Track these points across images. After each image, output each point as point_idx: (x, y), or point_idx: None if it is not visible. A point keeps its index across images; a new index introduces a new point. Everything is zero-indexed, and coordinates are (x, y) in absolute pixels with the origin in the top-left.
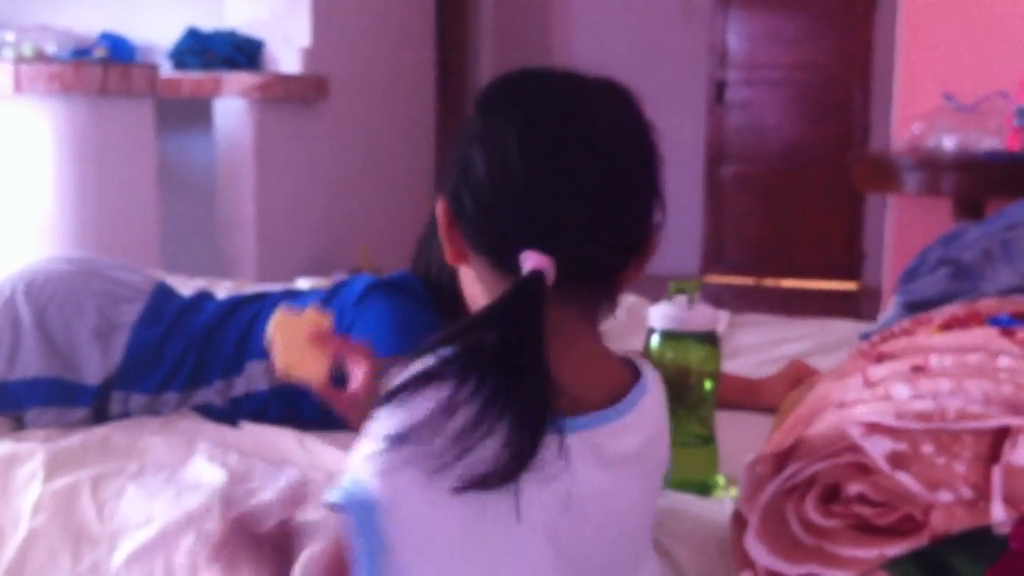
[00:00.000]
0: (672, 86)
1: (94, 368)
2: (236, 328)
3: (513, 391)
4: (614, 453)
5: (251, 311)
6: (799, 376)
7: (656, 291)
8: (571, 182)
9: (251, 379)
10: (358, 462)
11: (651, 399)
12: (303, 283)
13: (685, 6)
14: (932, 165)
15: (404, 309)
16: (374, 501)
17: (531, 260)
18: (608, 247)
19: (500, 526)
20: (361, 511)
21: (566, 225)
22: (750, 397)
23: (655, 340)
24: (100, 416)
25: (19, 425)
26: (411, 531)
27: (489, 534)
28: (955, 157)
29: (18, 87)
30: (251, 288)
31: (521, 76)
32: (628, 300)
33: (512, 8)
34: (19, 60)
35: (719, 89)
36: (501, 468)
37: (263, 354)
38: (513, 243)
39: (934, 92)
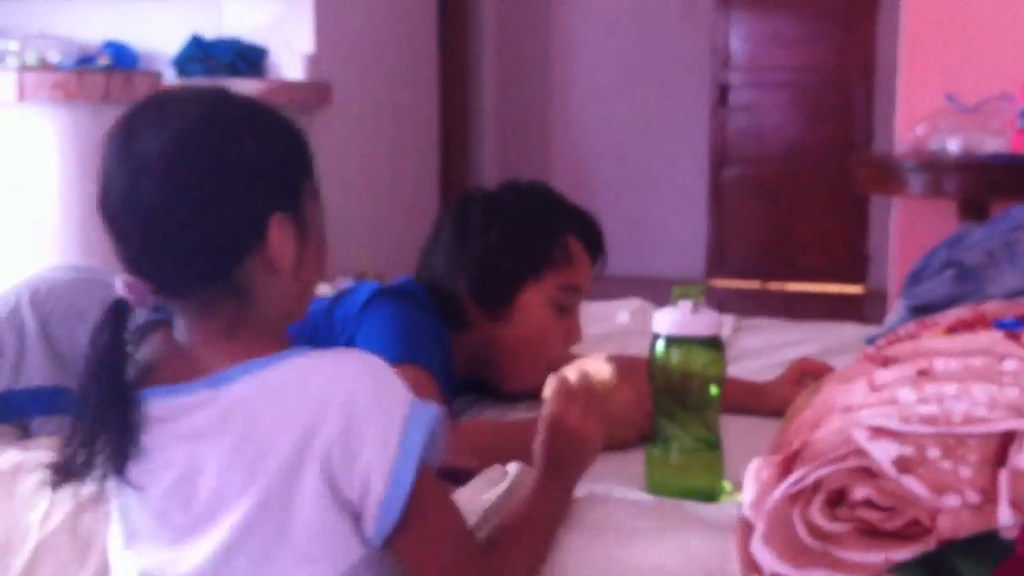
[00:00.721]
0: (675, 89)
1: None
2: None
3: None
4: (186, 429)
5: None
6: (805, 371)
7: (661, 295)
8: (107, 211)
9: None
10: None
11: (264, 382)
12: None
13: (686, 9)
14: (936, 167)
15: (406, 315)
16: None
17: (116, 286)
18: (175, 257)
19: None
20: None
21: (125, 247)
22: (755, 401)
23: (660, 345)
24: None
25: (24, 434)
26: None
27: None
28: (959, 159)
29: (22, 95)
30: None
31: None
32: (632, 304)
33: (514, 14)
34: (23, 68)
35: (722, 92)
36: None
37: None
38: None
39: (937, 93)
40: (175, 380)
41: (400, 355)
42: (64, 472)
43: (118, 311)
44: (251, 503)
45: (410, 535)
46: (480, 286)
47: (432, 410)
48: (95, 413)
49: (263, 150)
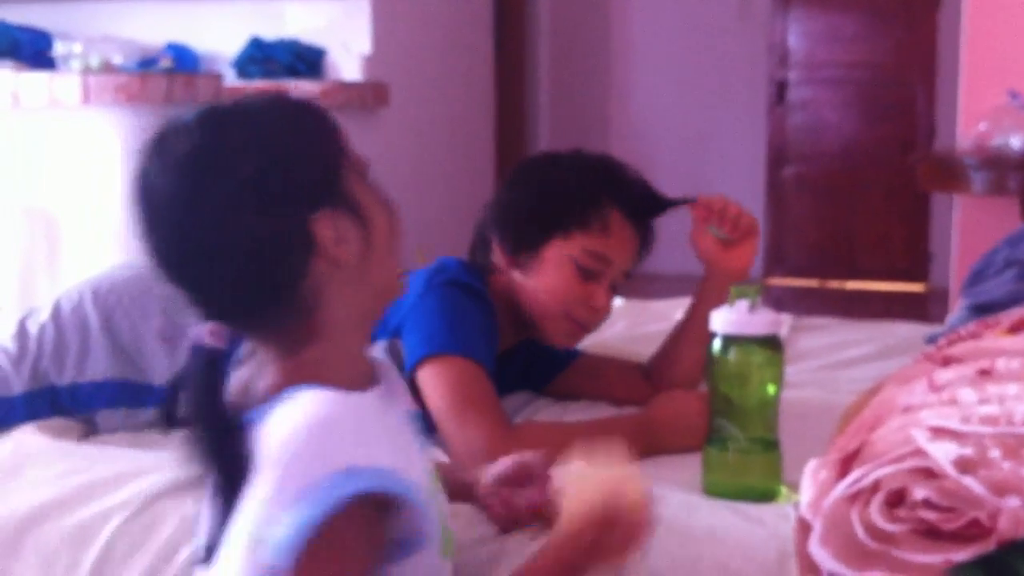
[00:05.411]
0: (732, 87)
1: (161, 370)
2: None
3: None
4: None
5: None
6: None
7: None
8: (156, 261)
9: None
10: None
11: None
12: None
13: (743, 6)
14: (998, 164)
15: (456, 303)
16: None
17: (204, 338)
18: (234, 295)
19: None
20: None
21: (188, 294)
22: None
23: (717, 344)
24: (168, 418)
25: (90, 428)
26: None
27: None
28: (1021, 156)
29: (86, 98)
30: None
31: None
32: (686, 303)
33: (570, 15)
34: (86, 71)
35: (780, 89)
36: None
37: None
38: None
39: (999, 90)
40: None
41: (448, 345)
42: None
43: (210, 359)
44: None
45: None
46: (509, 230)
47: (376, 472)
48: (209, 463)
49: (278, 158)
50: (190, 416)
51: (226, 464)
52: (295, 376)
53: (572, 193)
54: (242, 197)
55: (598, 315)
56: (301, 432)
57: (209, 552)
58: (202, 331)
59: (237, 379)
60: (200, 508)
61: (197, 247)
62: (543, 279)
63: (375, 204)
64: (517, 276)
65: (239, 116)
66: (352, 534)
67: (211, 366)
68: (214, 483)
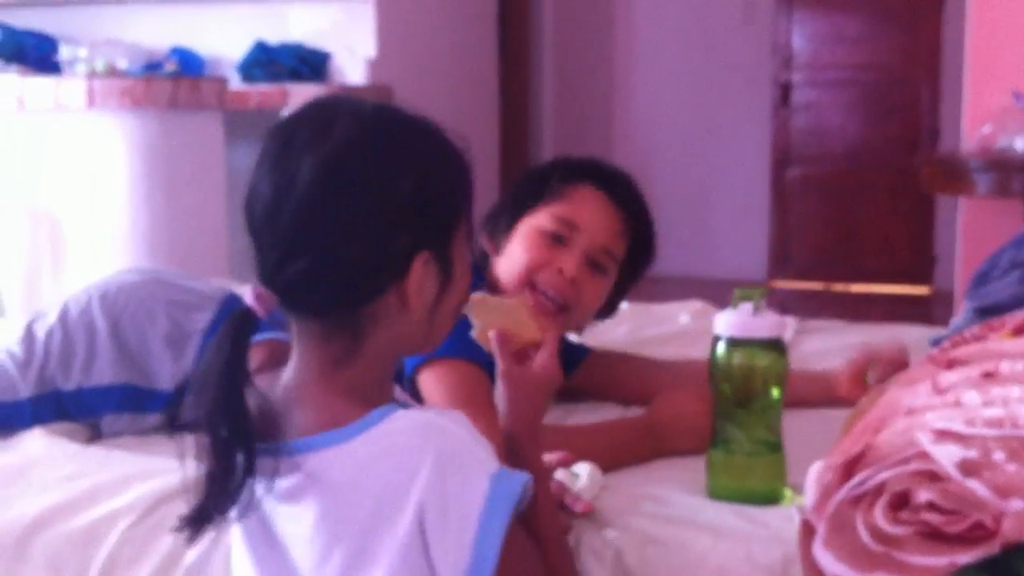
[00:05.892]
0: (736, 89)
1: (166, 374)
2: None
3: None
4: (278, 489)
5: None
6: (872, 360)
7: (722, 296)
8: (250, 217)
9: None
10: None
11: (346, 454)
12: None
13: (747, 8)
14: (1002, 166)
15: None
16: None
17: (246, 295)
18: (308, 280)
19: None
20: None
21: (262, 258)
22: (817, 390)
23: (721, 347)
24: (173, 423)
25: (95, 432)
26: None
27: None
28: None
29: (91, 102)
30: None
31: None
32: (694, 306)
33: (573, 17)
34: (91, 75)
35: (784, 91)
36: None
37: None
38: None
39: (1004, 92)
40: (269, 431)
41: (449, 350)
42: (198, 519)
43: (243, 319)
44: (336, 567)
45: None
46: (489, 219)
47: (516, 477)
48: (211, 424)
49: (420, 183)
50: (204, 374)
51: (230, 425)
52: (342, 401)
53: (541, 172)
54: (375, 199)
55: (564, 281)
56: (453, 447)
57: (194, 522)
58: (249, 290)
59: (264, 399)
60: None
61: (310, 227)
62: (511, 252)
63: (463, 272)
64: (496, 262)
65: (408, 127)
66: (519, 527)
67: (243, 321)
68: (212, 446)
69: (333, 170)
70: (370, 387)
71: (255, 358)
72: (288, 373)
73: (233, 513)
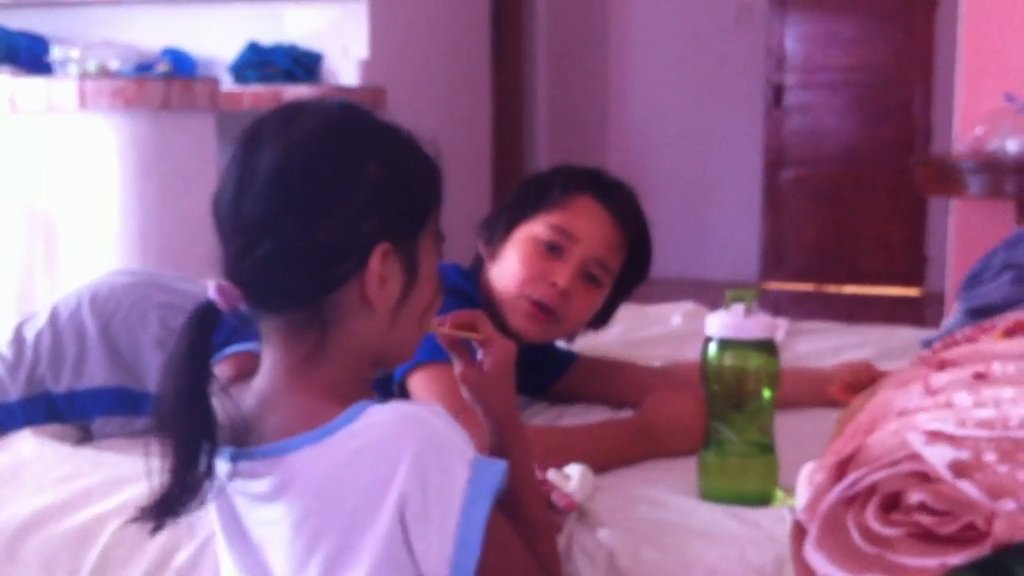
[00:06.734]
0: (729, 90)
1: (157, 377)
2: None
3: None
4: (254, 492)
5: None
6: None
7: (715, 298)
8: (216, 214)
9: None
10: None
11: (324, 452)
12: None
13: (740, 10)
14: (995, 168)
15: (447, 310)
16: None
17: (209, 290)
18: (269, 267)
19: None
20: None
21: (226, 250)
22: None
23: (713, 348)
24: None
25: (86, 435)
26: None
27: None
28: (1018, 160)
29: (83, 103)
30: None
31: None
32: (686, 308)
33: (567, 19)
34: (84, 76)
35: (777, 93)
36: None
37: None
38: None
39: (997, 94)
40: (244, 437)
41: (440, 354)
42: (159, 511)
43: (206, 313)
44: (317, 567)
45: None
46: (486, 224)
47: (496, 465)
48: (171, 417)
49: (384, 170)
50: (167, 371)
51: (192, 419)
52: (317, 401)
53: (542, 180)
54: (337, 185)
55: (556, 293)
56: (433, 440)
57: (150, 515)
58: (213, 285)
59: (231, 414)
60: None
61: (271, 214)
62: (506, 260)
63: (429, 276)
64: (491, 268)
65: (377, 125)
66: (500, 514)
67: (206, 315)
68: (174, 441)
69: (295, 156)
70: (344, 387)
71: (226, 371)
72: (260, 379)
73: (194, 506)
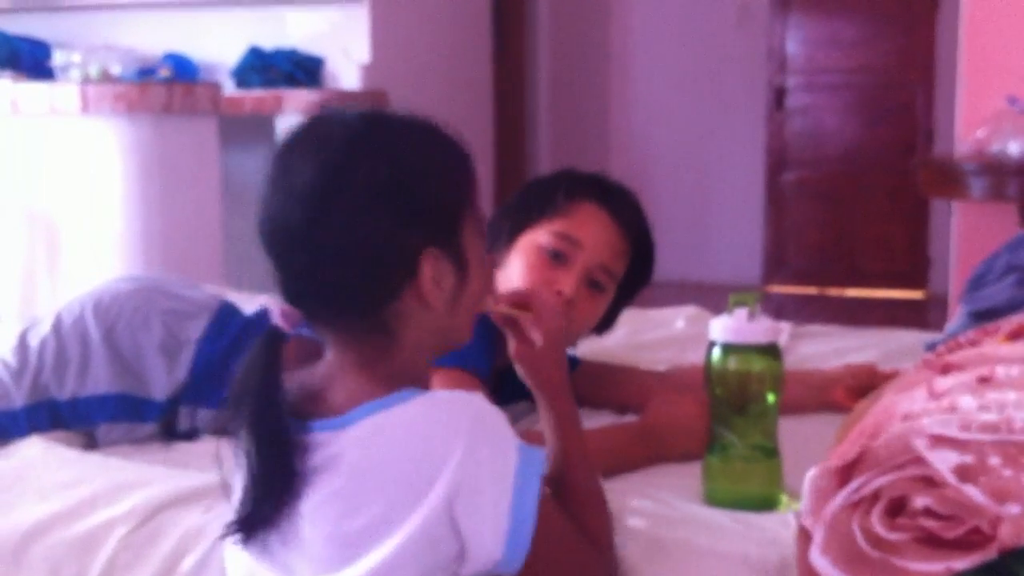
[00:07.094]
0: (731, 92)
1: (161, 383)
2: None
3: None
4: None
5: None
6: (862, 380)
7: (717, 301)
8: (265, 241)
9: None
10: None
11: (379, 425)
12: None
13: (742, 12)
14: (997, 170)
15: None
16: None
17: (273, 315)
18: (324, 292)
19: None
20: None
21: (282, 277)
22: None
23: (716, 352)
24: (168, 431)
25: (90, 441)
26: None
27: None
28: (1020, 162)
29: (85, 107)
30: None
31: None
32: (689, 311)
33: (569, 21)
34: (86, 80)
35: (779, 95)
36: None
37: None
38: None
39: (998, 96)
40: (306, 414)
41: (444, 359)
42: (248, 525)
43: (273, 341)
44: (352, 534)
45: (535, 571)
46: (489, 230)
47: (538, 452)
48: (259, 453)
49: (414, 180)
50: (240, 391)
51: (273, 449)
52: (379, 386)
53: (545, 186)
54: (374, 202)
55: (561, 301)
56: (484, 429)
57: (244, 528)
58: (275, 309)
59: (300, 385)
60: (234, 482)
61: (315, 235)
62: (510, 268)
63: (478, 261)
64: (496, 274)
65: (399, 128)
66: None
67: (272, 343)
68: (252, 462)
69: (331, 177)
70: (407, 378)
71: (288, 355)
72: (324, 364)
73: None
